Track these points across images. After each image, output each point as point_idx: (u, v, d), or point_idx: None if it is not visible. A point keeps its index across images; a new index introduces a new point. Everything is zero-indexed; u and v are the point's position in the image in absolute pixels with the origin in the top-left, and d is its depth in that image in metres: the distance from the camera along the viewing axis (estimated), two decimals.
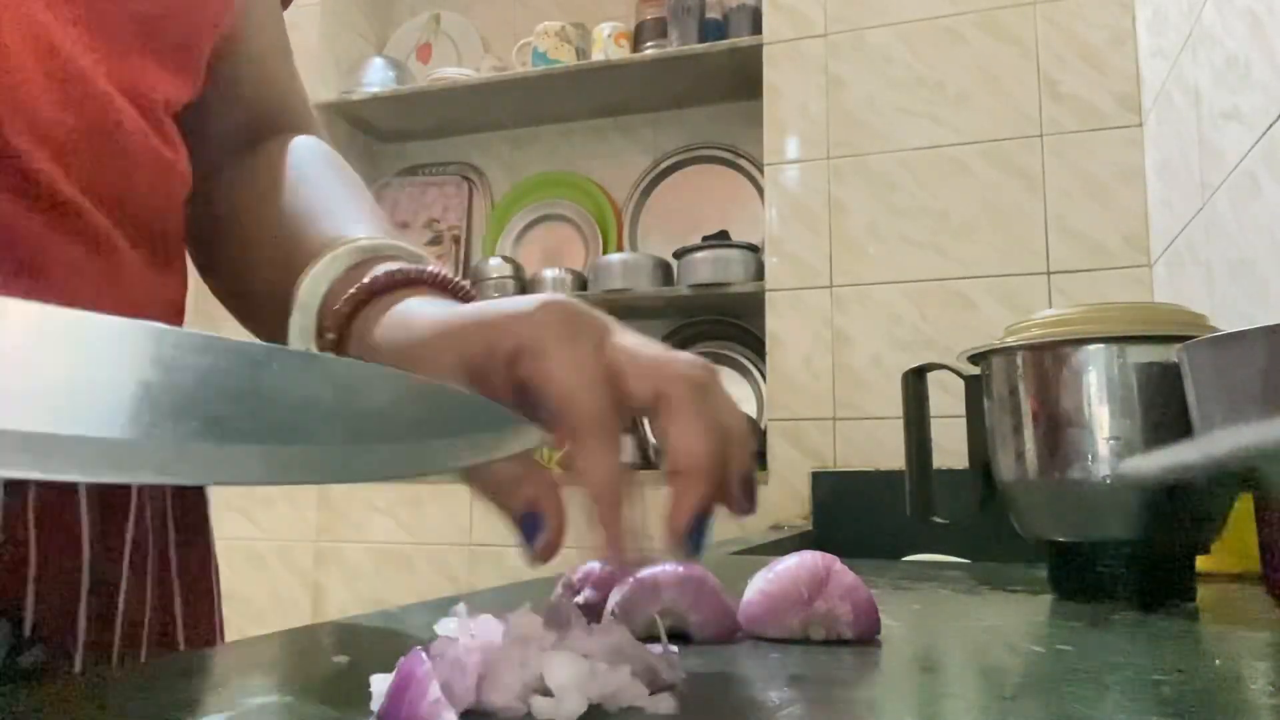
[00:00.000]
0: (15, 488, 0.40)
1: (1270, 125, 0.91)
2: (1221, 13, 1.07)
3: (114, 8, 0.44)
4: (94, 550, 0.44)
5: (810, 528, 1.62)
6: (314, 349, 0.40)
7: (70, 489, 0.43)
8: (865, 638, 0.40)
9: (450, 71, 2.19)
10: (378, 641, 0.43)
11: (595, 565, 0.46)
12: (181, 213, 0.51)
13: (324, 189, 0.53)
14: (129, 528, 0.46)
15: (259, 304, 0.51)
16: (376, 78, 2.24)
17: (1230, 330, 0.43)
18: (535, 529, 0.35)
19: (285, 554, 2.01)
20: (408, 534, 1.98)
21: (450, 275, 0.42)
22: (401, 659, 0.26)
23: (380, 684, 0.26)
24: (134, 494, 0.47)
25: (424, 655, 0.26)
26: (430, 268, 0.42)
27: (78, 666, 0.42)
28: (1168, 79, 1.37)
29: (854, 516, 1.60)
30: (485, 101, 2.20)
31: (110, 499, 0.45)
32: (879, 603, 0.40)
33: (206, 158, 0.55)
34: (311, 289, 0.41)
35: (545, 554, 0.35)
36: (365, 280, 0.40)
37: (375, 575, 2.00)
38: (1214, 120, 1.11)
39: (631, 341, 0.38)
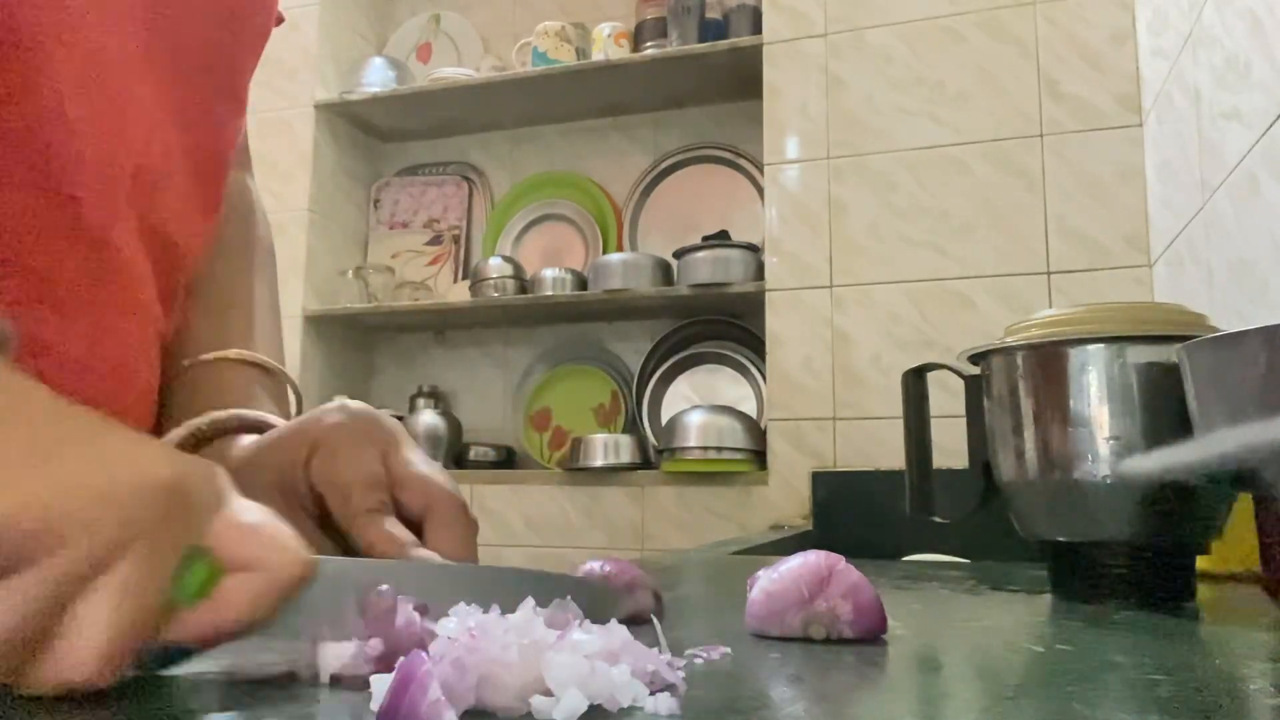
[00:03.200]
0: None
1: (1270, 125, 0.91)
2: (1221, 13, 1.07)
3: (177, 38, 0.45)
4: None
5: (810, 528, 1.62)
6: None
7: None
8: (870, 637, 0.40)
9: (450, 71, 2.19)
10: None
11: (595, 565, 0.46)
12: (201, 245, 0.53)
13: (228, 275, 0.57)
14: None
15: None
16: (376, 78, 2.24)
17: (1230, 330, 0.43)
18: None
19: None
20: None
21: (276, 420, 0.47)
22: (401, 659, 0.26)
23: (380, 684, 0.26)
24: None
25: (424, 655, 0.26)
26: (257, 415, 0.47)
27: None
28: (1168, 79, 1.37)
29: (854, 516, 1.60)
30: (485, 101, 2.20)
31: None
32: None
33: None
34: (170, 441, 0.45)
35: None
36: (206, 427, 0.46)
37: None
38: (1214, 120, 1.11)
39: (416, 456, 0.42)
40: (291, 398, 0.52)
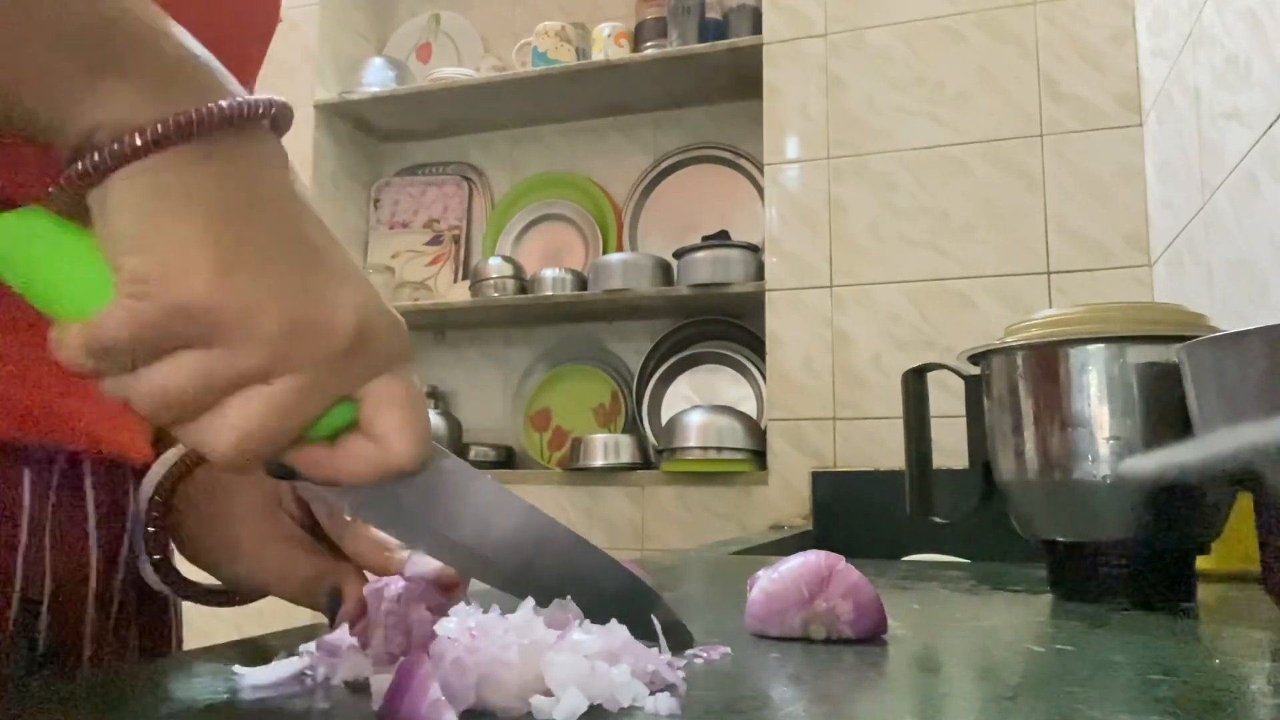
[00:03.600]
0: (37, 523, 0.41)
1: (1270, 125, 0.91)
2: (1221, 13, 1.07)
3: (193, 29, 0.45)
4: (98, 574, 0.46)
5: (810, 528, 1.62)
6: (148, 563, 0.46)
7: (83, 519, 0.44)
8: (870, 637, 0.40)
9: (450, 71, 2.19)
10: None
11: None
12: None
13: None
14: (123, 552, 0.49)
15: None
16: (376, 78, 2.24)
17: (1230, 330, 0.43)
18: (337, 606, 0.42)
19: None
20: None
21: None
22: (402, 658, 0.26)
23: (380, 684, 0.26)
24: (126, 533, 0.49)
25: (424, 655, 0.26)
26: None
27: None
28: (1168, 79, 1.37)
29: (854, 516, 1.60)
30: (485, 101, 2.20)
31: (110, 533, 0.47)
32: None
33: None
34: (148, 484, 0.46)
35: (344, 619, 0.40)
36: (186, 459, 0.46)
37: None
38: (1214, 120, 1.11)
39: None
40: None
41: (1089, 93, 1.62)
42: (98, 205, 0.28)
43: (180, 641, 0.56)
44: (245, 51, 0.50)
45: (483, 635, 0.28)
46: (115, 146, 0.27)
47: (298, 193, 0.31)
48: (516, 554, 0.34)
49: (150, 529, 0.44)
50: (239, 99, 0.31)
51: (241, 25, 0.50)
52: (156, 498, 0.44)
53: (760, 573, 0.42)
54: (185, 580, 0.45)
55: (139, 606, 0.51)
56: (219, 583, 0.46)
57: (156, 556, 0.44)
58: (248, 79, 0.51)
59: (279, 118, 0.33)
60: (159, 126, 0.28)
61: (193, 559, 0.46)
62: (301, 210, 0.31)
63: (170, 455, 0.45)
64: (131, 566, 0.49)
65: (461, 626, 0.29)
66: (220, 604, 0.46)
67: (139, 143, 0.27)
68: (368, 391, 0.31)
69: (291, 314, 0.29)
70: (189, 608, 0.51)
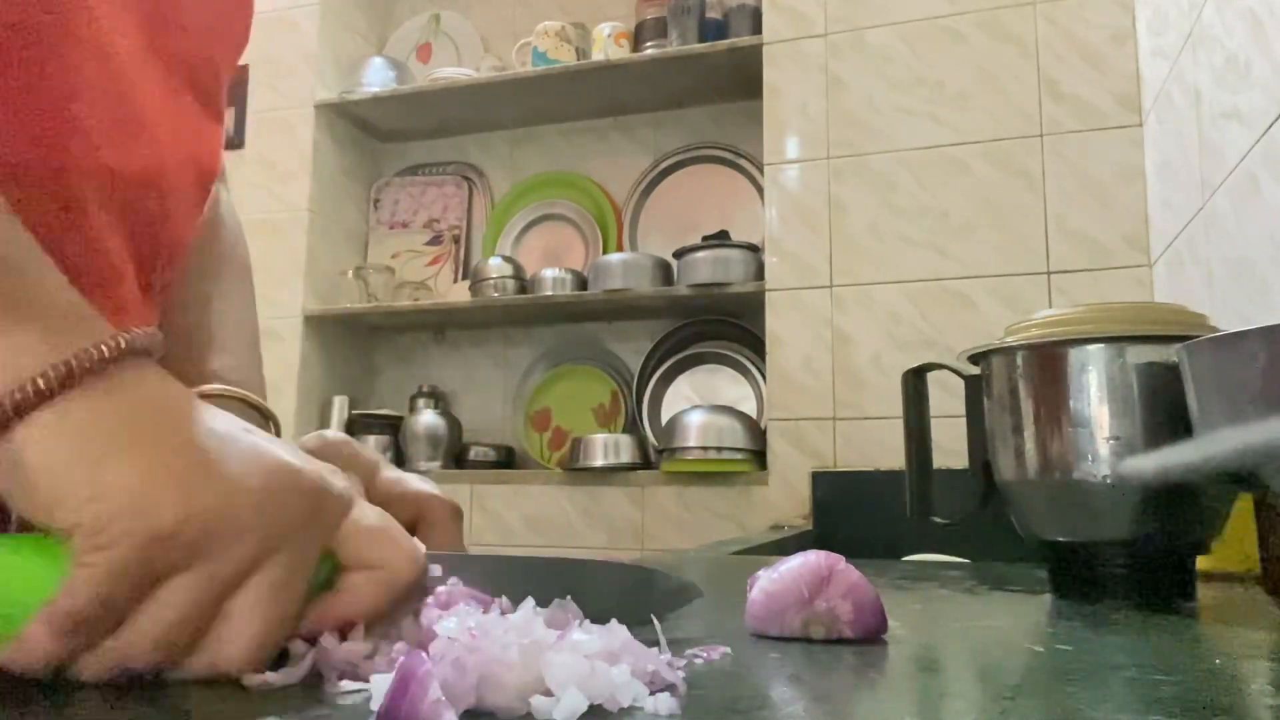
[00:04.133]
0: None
1: (1270, 125, 0.91)
2: (1221, 13, 1.07)
3: (169, 45, 0.46)
4: None
5: (810, 528, 1.62)
6: None
7: None
8: (870, 637, 0.40)
9: (450, 71, 2.19)
10: None
11: None
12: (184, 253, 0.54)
13: (209, 299, 0.57)
14: None
15: None
16: (376, 78, 2.24)
17: (1230, 330, 0.43)
18: None
19: None
20: None
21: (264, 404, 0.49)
22: (401, 658, 0.26)
23: (380, 684, 0.26)
24: None
25: (424, 655, 0.26)
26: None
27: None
28: (1168, 79, 1.37)
29: (854, 516, 1.60)
30: (485, 101, 2.20)
31: None
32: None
33: None
34: None
35: None
36: None
37: None
38: (1214, 120, 1.11)
39: (396, 474, 0.44)
40: (271, 431, 0.52)
41: (1089, 93, 1.62)
42: (8, 468, 0.28)
43: None
44: (214, 69, 0.50)
45: (483, 635, 0.28)
46: (19, 394, 0.27)
47: (190, 395, 0.32)
48: (525, 593, 0.36)
49: None
50: (131, 331, 0.31)
51: (211, 43, 0.50)
52: None
53: (760, 573, 0.42)
54: None
55: None
56: None
57: None
58: (216, 96, 0.51)
59: (154, 345, 0.32)
60: (64, 365, 0.28)
61: None
62: (205, 410, 0.31)
63: None
64: None
65: (461, 626, 0.29)
66: None
67: (42, 386, 0.27)
68: (344, 533, 0.32)
69: (259, 498, 0.29)
70: None
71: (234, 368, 0.54)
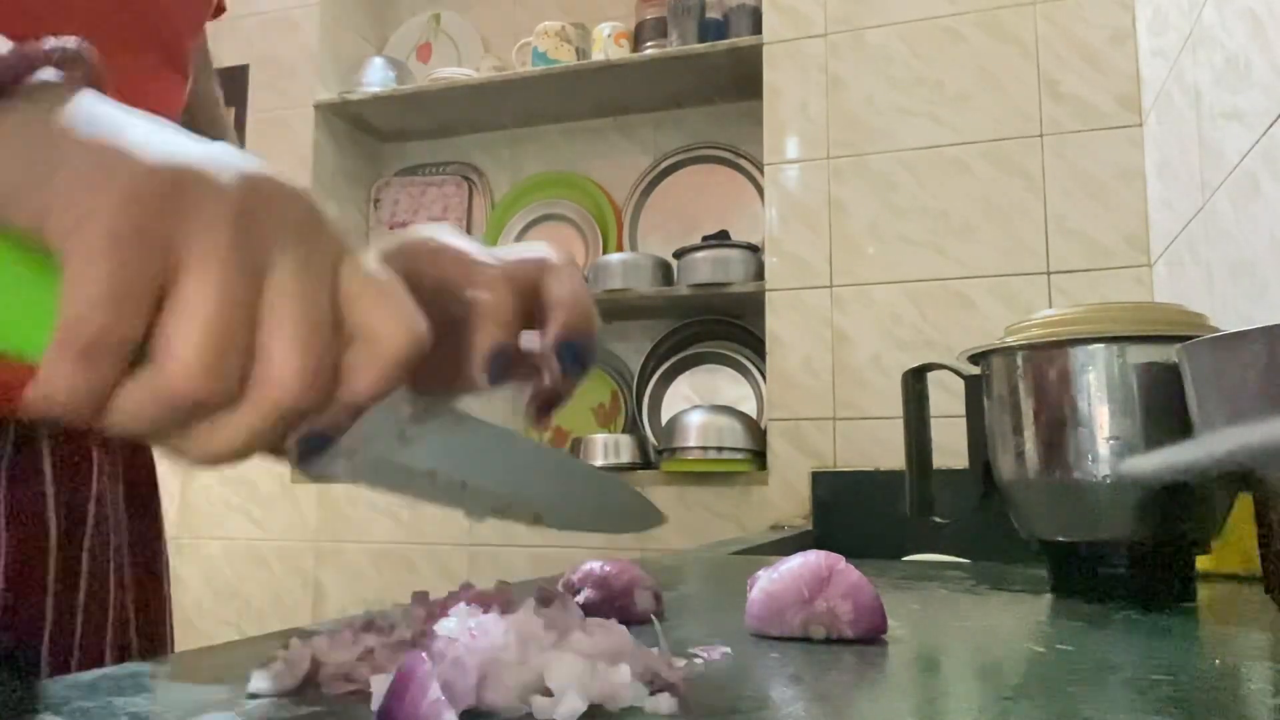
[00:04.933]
0: None
1: (1270, 125, 0.91)
2: (1221, 13, 1.07)
3: (115, 9, 0.45)
4: (60, 549, 0.46)
5: (810, 528, 1.62)
6: None
7: (40, 493, 0.44)
8: (869, 637, 0.40)
9: (450, 71, 2.19)
10: None
11: (595, 565, 0.46)
12: None
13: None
14: (88, 530, 0.48)
15: None
16: (376, 78, 2.24)
17: (1230, 330, 0.43)
18: (501, 368, 0.36)
19: (286, 554, 2.02)
20: (407, 534, 1.98)
21: None
22: (402, 658, 0.26)
23: (380, 684, 0.26)
24: (92, 502, 0.48)
25: (424, 655, 0.26)
26: None
27: (44, 654, 0.45)
28: (1168, 79, 1.37)
29: (854, 516, 1.60)
30: (485, 101, 2.20)
31: (73, 501, 0.47)
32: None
33: None
34: None
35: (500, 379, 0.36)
36: None
37: (375, 575, 2.00)
38: (1214, 120, 1.11)
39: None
40: None
41: (1089, 93, 1.62)
42: None
43: (173, 641, 0.56)
44: (175, 30, 0.50)
45: (482, 635, 0.28)
46: None
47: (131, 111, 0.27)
48: (507, 484, 0.33)
49: None
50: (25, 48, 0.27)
51: (176, 5, 0.50)
52: None
53: (760, 573, 0.42)
54: None
55: (125, 597, 0.50)
56: None
57: None
58: (179, 54, 0.51)
59: (72, 62, 0.28)
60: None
61: None
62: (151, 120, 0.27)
63: None
64: (98, 543, 0.48)
65: (461, 626, 0.29)
66: None
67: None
68: (346, 288, 0.27)
69: (221, 165, 0.25)
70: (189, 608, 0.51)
71: None
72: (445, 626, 0.29)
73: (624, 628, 0.30)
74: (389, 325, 0.27)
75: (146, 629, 0.53)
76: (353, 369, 0.27)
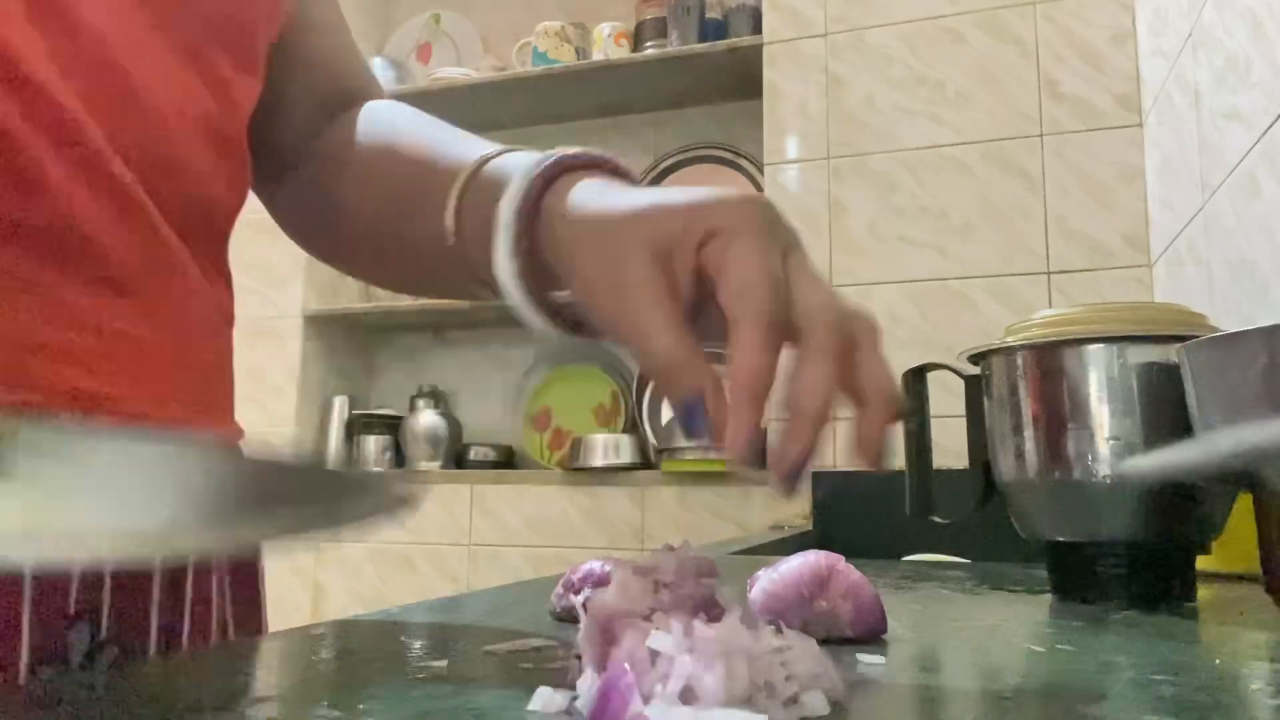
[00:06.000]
0: None
1: (1270, 125, 0.91)
2: (1221, 13, 1.07)
3: (183, 9, 0.45)
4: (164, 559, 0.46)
5: (810, 527, 1.62)
6: (513, 263, 0.40)
7: None
8: (869, 637, 0.40)
9: (450, 71, 2.19)
10: (377, 640, 0.43)
11: (595, 565, 0.46)
12: (232, 224, 0.52)
13: (430, 131, 0.52)
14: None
15: (384, 251, 0.53)
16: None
17: (1230, 330, 0.43)
18: (694, 419, 0.36)
19: (286, 554, 2.02)
20: (408, 534, 1.98)
21: (613, 159, 0.43)
22: (605, 672, 0.26)
23: (586, 690, 0.26)
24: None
25: (625, 666, 0.25)
26: (607, 155, 0.43)
27: (150, 656, 0.45)
28: (1168, 79, 1.37)
29: (854, 516, 1.60)
30: (485, 101, 2.20)
31: None
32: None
33: (289, 144, 0.57)
34: (508, 207, 0.41)
35: (708, 438, 0.36)
36: (553, 160, 0.41)
37: (375, 575, 2.00)
38: (1214, 120, 1.11)
39: (812, 266, 0.38)
40: None
41: (1089, 93, 1.62)
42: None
43: (266, 625, 0.56)
44: (245, 30, 0.50)
45: (693, 642, 0.26)
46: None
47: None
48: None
49: (516, 230, 0.40)
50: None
51: (242, 7, 0.50)
52: (525, 199, 0.40)
53: (760, 572, 0.42)
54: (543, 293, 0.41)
55: (223, 589, 0.50)
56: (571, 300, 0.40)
57: (517, 260, 0.40)
58: (251, 53, 0.51)
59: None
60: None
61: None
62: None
63: (525, 164, 0.42)
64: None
65: (677, 641, 0.27)
66: (569, 329, 0.41)
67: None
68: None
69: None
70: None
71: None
72: (660, 641, 0.27)
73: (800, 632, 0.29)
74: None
75: (242, 630, 0.53)
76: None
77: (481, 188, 0.44)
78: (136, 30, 0.43)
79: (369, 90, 0.61)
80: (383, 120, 0.55)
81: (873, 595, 0.40)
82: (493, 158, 0.45)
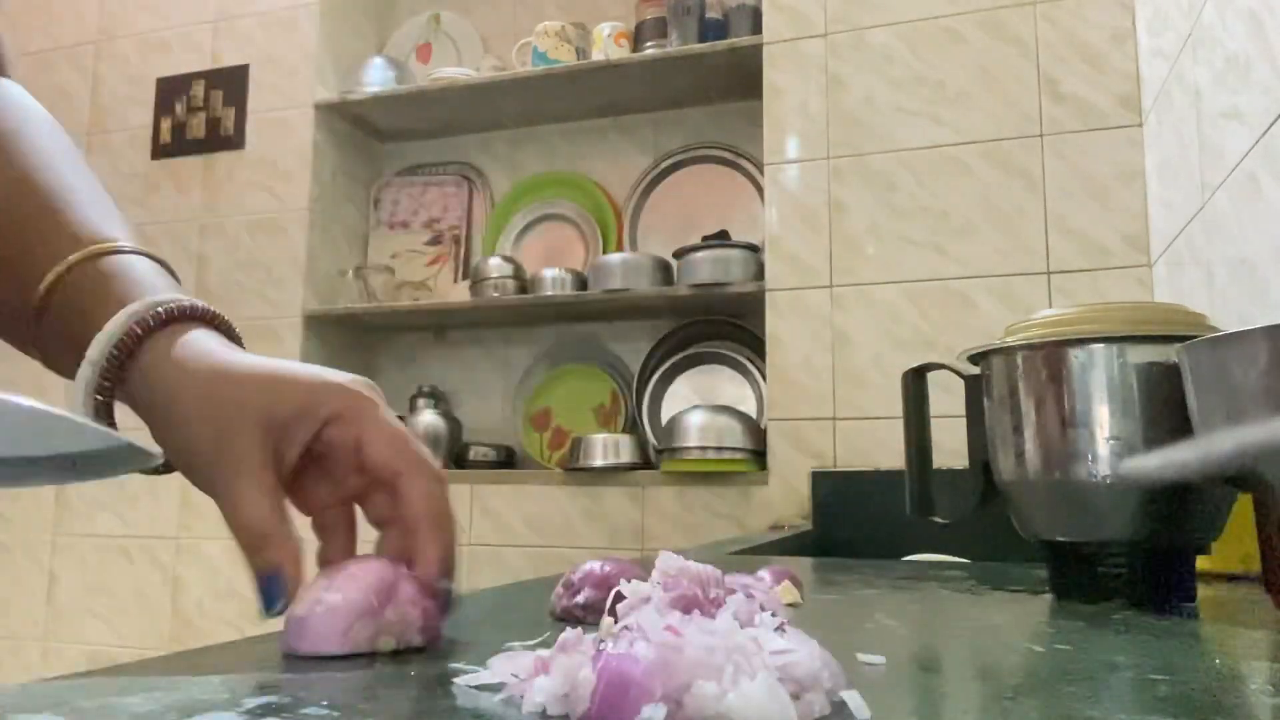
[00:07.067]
0: None
1: (1270, 125, 0.91)
2: (1221, 13, 1.07)
3: None
4: None
5: (810, 527, 1.62)
6: (88, 400, 0.40)
7: None
8: (433, 643, 0.37)
9: (450, 71, 2.19)
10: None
11: (595, 565, 0.46)
12: None
13: (60, 162, 0.47)
14: None
15: None
16: (376, 78, 2.24)
17: (1230, 330, 0.43)
18: (275, 591, 0.37)
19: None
20: None
21: (219, 313, 0.43)
22: (605, 658, 0.25)
23: (543, 685, 0.26)
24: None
25: (635, 656, 0.25)
26: (203, 304, 0.43)
27: None
28: (1168, 79, 1.37)
29: (854, 516, 1.60)
30: (485, 101, 2.20)
31: None
32: (879, 602, 0.40)
33: None
34: (100, 349, 0.40)
35: (279, 613, 0.37)
36: (162, 309, 0.41)
37: None
38: (1214, 120, 1.11)
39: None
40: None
41: (1089, 93, 1.62)
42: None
43: None
44: None
45: (686, 634, 0.26)
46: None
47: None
48: None
49: (103, 381, 0.39)
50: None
51: None
52: (113, 352, 0.39)
53: (319, 582, 0.37)
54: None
55: None
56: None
57: (99, 397, 0.39)
58: None
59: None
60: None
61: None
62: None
63: (116, 324, 0.40)
64: None
65: (661, 624, 0.27)
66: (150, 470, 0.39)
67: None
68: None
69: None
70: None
71: (120, 225, 0.46)
72: (646, 619, 0.28)
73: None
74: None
75: None
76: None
77: (84, 285, 0.41)
78: None
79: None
80: (8, 113, 0.49)
81: (433, 603, 0.38)
82: (111, 253, 0.43)
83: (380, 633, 0.35)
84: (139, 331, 0.40)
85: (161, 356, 0.40)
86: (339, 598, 0.36)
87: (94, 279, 0.42)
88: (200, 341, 0.41)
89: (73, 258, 0.42)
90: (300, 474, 0.41)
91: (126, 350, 0.40)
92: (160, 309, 0.41)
